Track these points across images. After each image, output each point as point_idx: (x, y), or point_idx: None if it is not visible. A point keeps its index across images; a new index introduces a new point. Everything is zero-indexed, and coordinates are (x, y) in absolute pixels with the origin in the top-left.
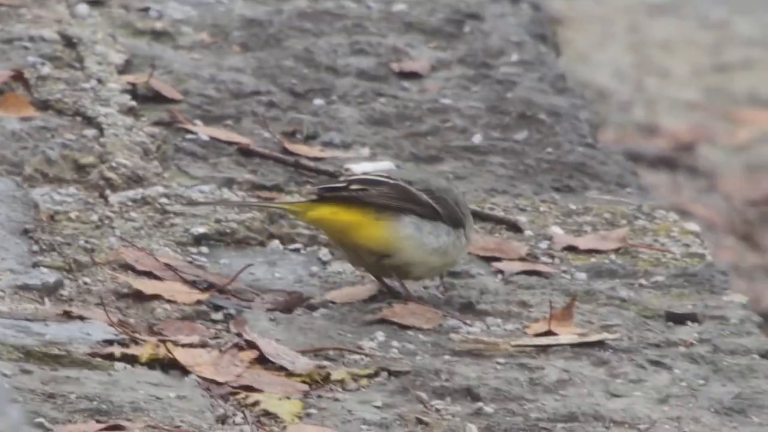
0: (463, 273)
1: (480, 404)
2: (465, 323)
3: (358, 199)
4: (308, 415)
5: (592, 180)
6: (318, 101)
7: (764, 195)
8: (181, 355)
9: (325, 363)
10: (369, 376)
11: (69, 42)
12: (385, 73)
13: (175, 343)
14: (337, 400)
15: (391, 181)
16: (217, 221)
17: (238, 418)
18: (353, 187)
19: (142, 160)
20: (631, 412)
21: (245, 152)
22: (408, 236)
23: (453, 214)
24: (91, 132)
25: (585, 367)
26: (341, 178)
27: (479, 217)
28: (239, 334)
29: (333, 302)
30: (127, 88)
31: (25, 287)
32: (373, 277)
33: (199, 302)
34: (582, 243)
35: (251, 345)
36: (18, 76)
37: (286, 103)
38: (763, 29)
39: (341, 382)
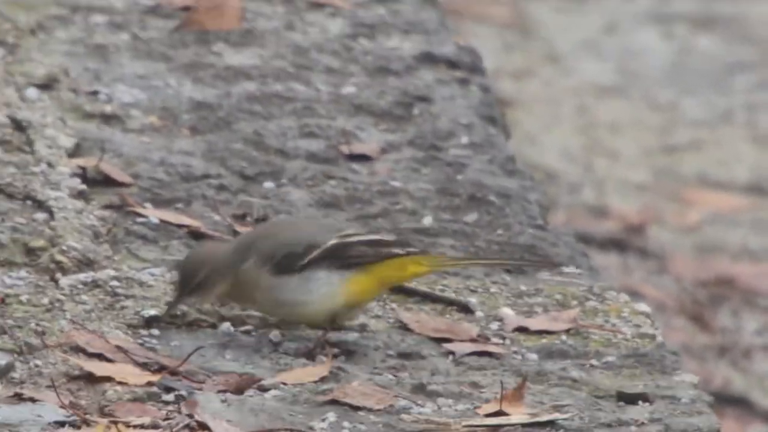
0: (414, 354)
1: None
2: (416, 404)
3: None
4: None
5: None
6: (268, 184)
7: (714, 276)
8: None
9: None
10: None
11: (18, 125)
12: (335, 156)
13: (127, 425)
14: None
15: None
16: (168, 304)
17: None
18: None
19: (92, 243)
20: None
21: (195, 235)
22: None
23: None
24: (41, 216)
25: None
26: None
27: (430, 298)
28: (191, 416)
29: (284, 383)
30: (77, 171)
31: None
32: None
33: (150, 384)
34: (533, 324)
35: (202, 426)
36: None
37: (236, 186)
38: (710, 110)
39: None
